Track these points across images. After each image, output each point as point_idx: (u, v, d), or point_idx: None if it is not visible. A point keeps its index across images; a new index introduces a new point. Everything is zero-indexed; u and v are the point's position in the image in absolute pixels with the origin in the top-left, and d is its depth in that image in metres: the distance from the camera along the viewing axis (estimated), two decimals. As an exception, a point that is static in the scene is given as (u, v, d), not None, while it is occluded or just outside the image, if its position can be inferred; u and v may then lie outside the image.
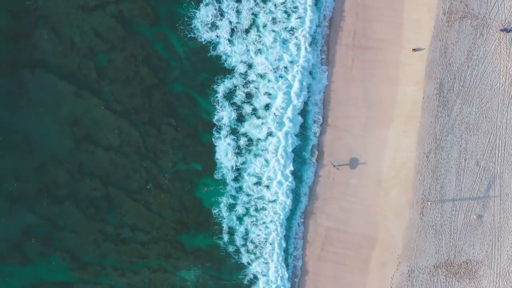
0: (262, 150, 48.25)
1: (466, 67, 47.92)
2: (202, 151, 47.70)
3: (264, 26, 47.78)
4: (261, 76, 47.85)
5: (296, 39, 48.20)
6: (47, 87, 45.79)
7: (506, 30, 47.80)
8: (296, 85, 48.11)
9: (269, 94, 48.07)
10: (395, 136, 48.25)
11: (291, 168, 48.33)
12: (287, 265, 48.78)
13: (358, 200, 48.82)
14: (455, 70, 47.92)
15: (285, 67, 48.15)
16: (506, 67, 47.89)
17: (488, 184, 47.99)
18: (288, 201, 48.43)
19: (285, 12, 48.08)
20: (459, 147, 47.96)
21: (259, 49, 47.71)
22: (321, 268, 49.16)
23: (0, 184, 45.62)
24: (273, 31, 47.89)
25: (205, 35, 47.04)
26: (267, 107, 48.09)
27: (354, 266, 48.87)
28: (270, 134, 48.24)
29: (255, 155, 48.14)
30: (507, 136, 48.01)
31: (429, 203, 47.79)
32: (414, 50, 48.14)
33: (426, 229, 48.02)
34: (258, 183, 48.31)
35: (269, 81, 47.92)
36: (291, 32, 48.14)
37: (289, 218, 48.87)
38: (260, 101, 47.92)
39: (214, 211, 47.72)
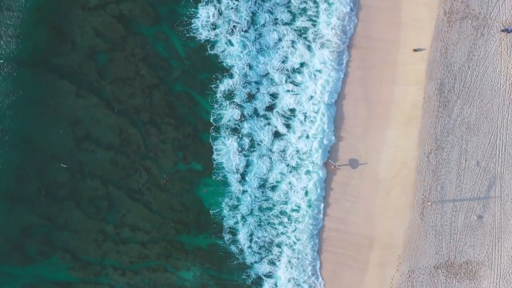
0: (269, 152, 48.19)
1: (467, 67, 47.90)
2: (202, 151, 47.70)
3: (268, 25, 47.68)
4: (265, 76, 47.81)
5: (306, 40, 48.05)
6: (47, 86, 45.75)
7: (506, 31, 47.76)
8: (308, 87, 47.99)
9: (274, 95, 47.97)
10: (395, 136, 48.23)
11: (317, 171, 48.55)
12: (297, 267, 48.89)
13: (358, 200, 48.79)
14: (456, 70, 47.89)
15: (294, 69, 48.01)
16: (507, 68, 47.86)
17: (488, 184, 47.96)
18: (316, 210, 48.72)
19: (291, 12, 47.95)
20: (459, 148, 47.94)
21: (264, 49, 47.69)
22: (321, 268, 49.15)
23: (0, 184, 45.57)
24: (279, 31, 47.75)
25: (206, 35, 47.02)
26: (271, 108, 48.10)
27: (354, 266, 48.86)
28: (278, 135, 48.14)
29: (260, 156, 48.06)
30: (507, 137, 47.97)
31: (430, 203, 47.77)
32: (415, 50, 48.12)
33: (426, 229, 48.00)
34: (263, 185, 48.29)
35: (272, 81, 47.86)
36: (301, 33, 47.99)
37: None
38: (264, 102, 47.84)
39: (213, 212, 47.76)
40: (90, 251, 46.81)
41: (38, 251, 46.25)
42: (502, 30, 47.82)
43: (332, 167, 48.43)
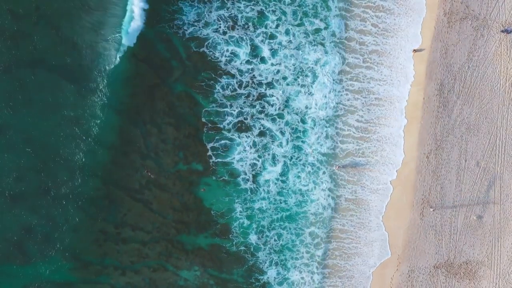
0: (284, 153, 48.23)
1: (467, 68, 48.02)
2: (203, 151, 47.71)
3: (280, 26, 47.72)
4: (276, 76, 47.83)
5: (321, 38, 47.97)
6: (47, 86, 45.64)
7: (506, 31, 47.89)
8: (323, 88, 48.06)
9: (287, 96, 48.00)
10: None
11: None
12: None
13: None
14: (456, 71, 48.02)
15: (307, 69, 48.01)
16: (507, 68, 48.00)
17: (488, 185, 48.10)
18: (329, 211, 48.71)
19: (305, 13, 48.01)
20: (459, 148, 48.07)
21: (275, 50, 47.75)
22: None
23: (0, 183, 45.48)
24: (290, 31, 47.70)
25: (206, 34, 47.02)
26: (283, 109, 48.21)
27: (354, 266, 49.13)
28: (291, 136, 48.21)
29: (273, 158, 48.11)
30: (507, 137, 48.13)
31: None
32: (415, 50, 48.23)
33: (426, 229, 48.13)
34: (276, 187, 48.39)
35: (284, 80, 47.85)
36: (314, 34, 48.05)
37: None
38: (276, 103, 47.86)
39: (215, 212, 47.84)
40: (91, 250, 46.76)
41: (39, 251, 46.19)
42: (502, 31, 47.95)
43: (336, 167, 48.53)
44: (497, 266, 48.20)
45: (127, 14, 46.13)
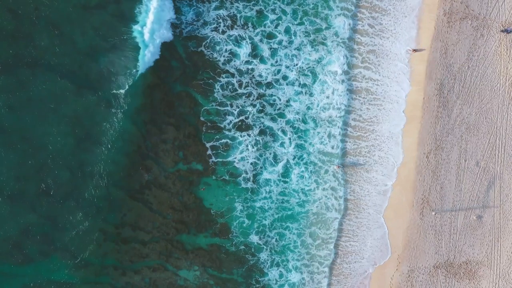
0: (286, 151, 48.20)
1: (467, 67, 48.05)
2: (203, 150, 47.70)
3: (279, 25, 47.65)
4: (277, 77, 47.78)
5: (322, 38, 47.92)
6: (47, 86, 45.59)
7: (506, 31, 47.92)
8: (325, 89, 48.00)
9: (287, 96, 47.95)
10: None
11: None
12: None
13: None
14: (456, 70, 48.04)
15: (308, 69, 47.98)
16: (507, 68, 48.03)
17: (488, 184, 48.15)
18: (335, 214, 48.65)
19: (306, 13, 47.97)
20: (459, 148, 48.10)
21: (274, 50, 47.65)
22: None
23: (0, 183, 45.45)
24: (289, 30, 47.54)
25: (205, 34, 47.00)
26: (284, 109, 48.19)
27: (354, 266, 49.12)
28: (294, 134, 48.15)
29: (275, 157, 48.10)
30: (507, 137, 48.17)
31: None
32: (415, 50, 48.23)
33: (426, 229, 48.17)
34: (268, 182, 48.33)
35: (285, 79, 47.78)
36: (315, 34, 48.01)
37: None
38: (277, 102, 47.79)
39: (215, 211, 47.85)
40: (91, 251, 46.77)
41: (39, 250, 46.17)
42: (502, 31, 47.99)
43: (336, 167, 48.55)
44: (497, 266, 48.25)
45: (139, 16, 46.14)
